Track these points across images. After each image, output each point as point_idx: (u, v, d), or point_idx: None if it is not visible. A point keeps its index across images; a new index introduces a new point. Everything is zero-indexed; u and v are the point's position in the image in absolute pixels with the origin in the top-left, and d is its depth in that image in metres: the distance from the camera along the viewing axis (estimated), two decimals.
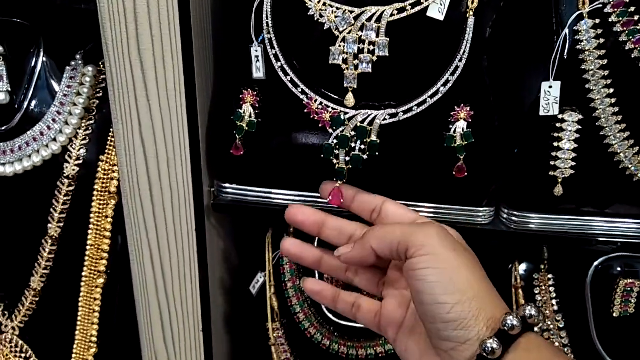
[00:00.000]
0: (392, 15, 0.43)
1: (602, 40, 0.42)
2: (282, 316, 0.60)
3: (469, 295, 0.36)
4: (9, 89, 0.55)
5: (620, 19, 0.41)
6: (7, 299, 0.61)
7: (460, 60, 0.44)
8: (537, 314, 0.37)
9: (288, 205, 0.49)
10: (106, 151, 0.56)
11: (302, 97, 0.45)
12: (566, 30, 0.43)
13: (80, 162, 0.55)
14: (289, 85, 0.45)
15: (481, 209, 0.49)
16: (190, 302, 0.54)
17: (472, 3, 0.43)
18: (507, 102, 0.47)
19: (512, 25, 0.46)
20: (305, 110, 0.46)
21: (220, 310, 0.61)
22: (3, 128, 0.55)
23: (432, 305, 0.37)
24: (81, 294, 0.58)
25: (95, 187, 0.56)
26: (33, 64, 0.56)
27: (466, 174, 0.47)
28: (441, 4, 0.42)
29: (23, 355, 0.61)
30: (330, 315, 0.57)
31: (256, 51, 0.45)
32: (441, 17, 0.42)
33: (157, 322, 0.56)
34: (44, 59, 0.56)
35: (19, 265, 0.59)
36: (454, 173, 0.47)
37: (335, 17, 0.44)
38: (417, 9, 0.42)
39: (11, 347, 0.61)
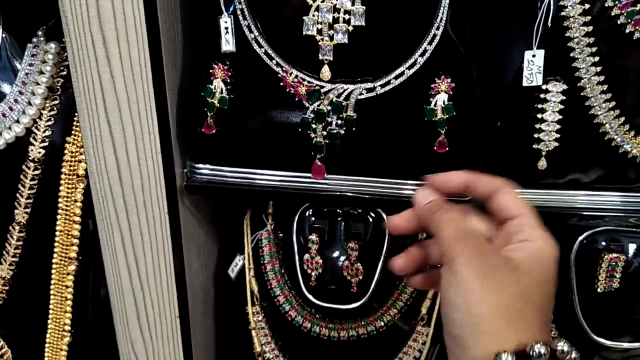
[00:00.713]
0: None
1: (587, 6, 0.40)
2: (262, 299, 0.59)
3: (474, 319, 0.34)
4: None
5: None
6: None
7: (438, 29, 0.42)
8: (570, 350, 0.34)
9: (269, 184, 0.47)
10: (72, 132, 0.53)
11: (277, 69, 0.43)
12: None
13: (46, 144, 0.53)
14: (264, 57, 0.43)
15: None
16: (165, 288, 0.53)
17: None
18: (489, 72, 0.45)
19: None
20: (281, 84, 0.44)
21: (198, 295, 0.59)
22: None
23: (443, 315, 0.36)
24: (52, 282, 0.56)
25: (63, 170, 0.53)
26: None
27: (447, 148, 0.45)
28: None
29: None
30: (311, 297, 0.55)
31: (225, 22, 0.42)
32: None
33: (131, 310, 0.54)
34: (3, 36, 0.52)
35: None
36: (435, 148, 0.45)
37: None
38: None
39: None
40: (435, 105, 0.44)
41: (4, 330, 0.59)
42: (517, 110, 0.45)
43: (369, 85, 0.44)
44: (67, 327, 0.57)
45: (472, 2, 0.42)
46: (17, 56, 0.53)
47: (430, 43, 0.42)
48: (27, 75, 0.52)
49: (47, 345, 0.58)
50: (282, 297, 0.57)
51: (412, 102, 0.44)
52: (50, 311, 0.57)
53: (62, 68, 0.53)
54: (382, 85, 0.44)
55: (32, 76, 0.52)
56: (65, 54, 0.53)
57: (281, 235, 0.59)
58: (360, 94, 0.44)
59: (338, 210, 0.55)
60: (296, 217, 0.56)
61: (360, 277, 0.53)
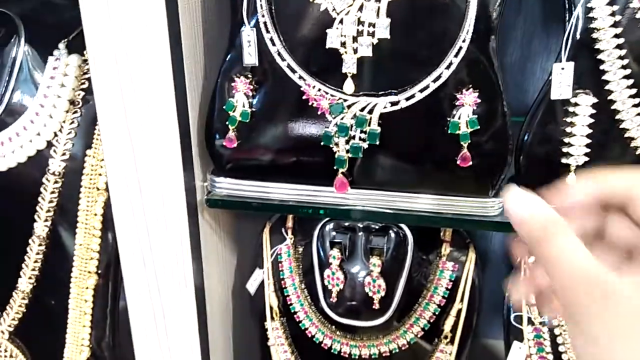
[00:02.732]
0: None
1: (617, 18, 0.39)
2: (281, 315, 0.58)
3: None
4: None
5: None
6: None
7: (464, 41, 0.41)
8: None
9: (291, 198, 0.46)
10: (93, 145, 0.53)
11: (299, 82, 0.43)
12: (579, 8, 0.40)
13: (66, 157, 0.53)
14: (286, 70, 0.43)
15: (490, 199, 0.46)
16: (185, 303, 0.52)
17: None
18: (516, 85, 0.44)
19: (521, 3, 0.44)
20: (303, 97, 0.43)
21: (217, 309, 0.59)
22: None
23: None
24: (71, 296, 0.56)
25: (83, 183, 0.53)
26: (14, 54, 0.53)
27: (470, 162, 0.44)
28: None
29: (12, 359, 0.59)
30: (331, 314, 0.54)
31: (248, 35, 0.42)
32: None
33: (150, 325, 0.53)
34: (26, 49, 0.53)
35: (6, 266, 0.56)
36: (458, 162, 0.44)
37: None
38: None
39: (0, 351, 0.59)
40: (459, 118, 0.43)
41: (24, 344, 0.59)
42: (546, 123, 0.44)
43: (393, 98, 0.43)
44: (86, 342, 0.57)
45: (499, 14, 0.41)
46: (39, 69, 0.53)
47: (456, 55, 0.41)
48: (49, 88, 0.52)
49: (65, 359, 0.58)
50: (302, 313, 0.56)
51: (436, 115, 0.44)
52: (69, 325, 0.57)
53: (83, 81, 0.53)
54: (407, 99, 0.43)
55: (54, 89, 0.52)
56: (87, 67, 0.53)
57: (301, 249, 0.58)
58: (384, 107, 0.43)
59: (359, 225, 0.54)
60: (316, 232, 0.55)
61: (383, 294, 0.52)
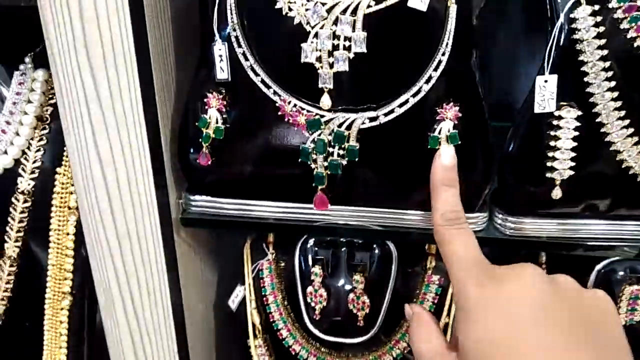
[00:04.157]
0: (368, 6, 0.39)
1: (601, 29, 0.38)
2: (264, 332, 0.57)
3: None
4: None
5: (622, 4, 0.37)
6: None
7: (443, 54, 0.39)
8: None
9: (269, 215, 0.45)
10: (63, 162, 0.51)
11: (274, 98, 0.41)
12: (562, 19, 0.38)
13: (35, 175, 0.51)
14: (260, 85, 0.41)
15: (473, 214, 0.45)
16: (163, 323, 0.50)
17: None
18: (498, 98, 0.43)
19: (502, 14, 0.42)
20: (279, 113, 0.41)
21: (198, 327, 0.57)
22: None
23: None
24: (46, 317, 0.54)
25: (53, 202, 0.51)
26: None
27: None
28: None
29: None
30: (316, 331, 0.53)
31: (219, 50, 0.40)
32: (424, 7, 0.38)
33: (128, 346, 0.51)
34: None
35: None
36: None
37: (306, 10, 0.39)
38: None
39: None
40: (439, 133, 0.42)
41: None
42: (529, 137, 0.42)
43: (372, 114, 0.41)
44: None
45: (479, 27, 0.39)
46: (5, 84, 0.51)
47: (435, 69, 0.39)
48: (15, 104, 0.50)
49: None
50: (285, 331, 0.55)
51: (416, 130, 0.42)
52: (45, 347, 0.55)
53: (50, 96, 0.51)
54: (386, 114, 0.41)
55: (20, 105, 0.50)
56: None
57: (283, 265, 0.56)
58: (363, 123, 0.41)
59: (341, 240, 0.53)
60: (298, 247, 0.53)
61: (367, 311, 0.51)
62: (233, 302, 0.59)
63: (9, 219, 0.52)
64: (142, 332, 0.51)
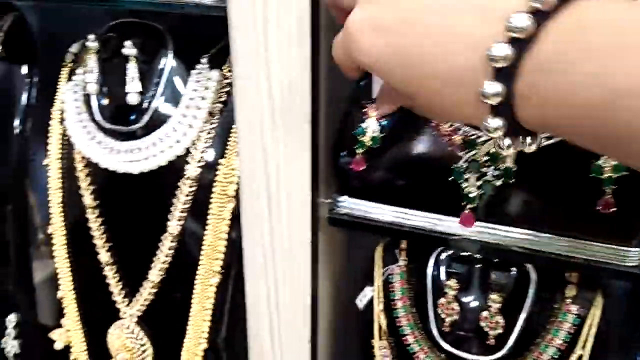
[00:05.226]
0: None
1: None
2: (389, 334, 0.58)
3: None
4: (140, 90, 0.57)
5: None
6: (128, 287, 0.64)
7: None
8: None
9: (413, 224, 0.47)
10: (225, 155, 0.56)
11: None
12: None
13: (202, 164, 0.56)
14: None
15: (630, 249, 0.43)
16: (300, 313, 0.54)
17: None
18: None
19: None
20: (435, 131, 0.42)
21: (325, 320, 0.60)
22: (132, 127, 0.57)
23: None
24: (195, 291, 0.60)
25: (214, 189, 0.57)
26: (162, 66, 0.57)
27: (613, 209, 0.41)
28: None
29: (139, 342, 0.65)
30: (442, 343, 0.54)
31: None
32: None
33: (265, 330, 0.56)
34: (172, 61, 0.57)
35: (140, 257, 0.62)
36: (599, 207, 0.41)
37: None
38: None
39: (128, 333, 0.64)
40: (604, 162, 0.40)
41: (149, 329, 0.64)
42: None
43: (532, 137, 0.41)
44: (205, 335, 0.61)
45: None
46: (182, 81, 0.57)
47: None
48: (191, 99, 0.56)
49: (184, 348, 0.62)
50: (412, 337, 0.56)
51: (578, 156, 0.41)
52: (190, 318, 0.61)
53: (220, 95, 0.56)
54: (547, 137, 0.41)
55: (195, 101, 0.56)
56: (225, 81, 0.56)
57: (413, 272, 0.57)
58: (522, 143, 0.41)
59: (477, 257, 0.53)
60: (432, 259, 0.54)
61: (500, 331, 0.51)
62: (361, 302, 0.61)
63: (175, 200, 0.58)
64: (281, 317, 0.55)
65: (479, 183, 0.43)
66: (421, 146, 0.44)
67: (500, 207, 0.44)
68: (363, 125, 0.46)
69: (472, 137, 0.42)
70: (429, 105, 0.29)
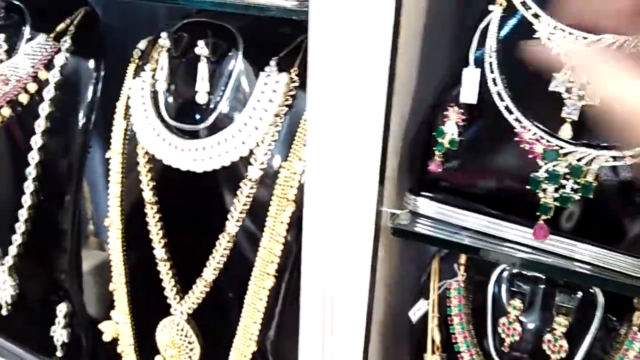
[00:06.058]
0: (635, 46, 0.37)
1: None
2: (442, 350, 0.57)
3: None
4: (209, 90, 0.57)
5: None
6: (181, 284, 0.64)
7: None
8: None
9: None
10: (288, 158, 0.56)
11: (515, 124, 0.42)
12: None
13: (264, 166, 0.57)
14: (503, 111, 0.42)
15: None
16: (354, 324, 0.53)
17: None
18: None
19: None
20: (516, 139, 0.42)
21: (377, 329, 0.59)
22: (198, 126, 0.58)
23: None
24: (248, 293, 0.60)
25: (275, 192, 0.57)
26: (231, 67, 0.58)
27: None
28: None
29: (187, 339, 0.65)
30: None
31: (472, 74, 0.42)
32: None
33: (317, 334, 0.55)
34: (241, 63, 0.58)
35: (195, 255, 0.62)
36: None
37: (566, 42, 0.39)
38: None
39: (177, 329, 0.65)
40: None
41: (199, 327, 0.64)
42: None
43: (617, 153, 0.40)
44: (254, 337, 0.60)
45: None
46: (250, 82, 0.58)
47: None
48: (258, 102, 0.56)
49: (233, 349, 0.62)
50: (468, 355, 0.54)
51: None
52: (242, 319, 0.61)
53: (287, 98, 0.56)
54: (634, 156, 0.39)
55: (262, 103, 0.56)
56: (292, 84, 0.56)
57: (471, 288, 0.56)
58: (606, 160, 0.40)
59: (542, 277, 0.51)
60: (494, 275, 0.53)
61: (563, 355, 0.49)
62: (414, 315, 0.60)
63: (235, 200, 0.58)
64: (335, 326, 0.54)
65: (556, 195, 0.42)
66: (500, 152, 0.43)
67: (575, 221, 0.43)
68: (443, 127, 0.45)
69: (555, 148, 0.41)
70: None
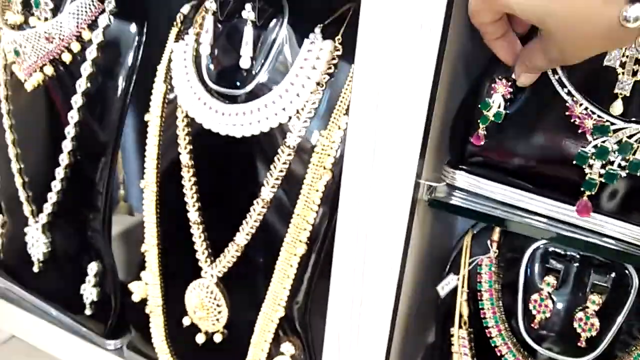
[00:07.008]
0: None
1: None
2: (470, 325, 0.57)
3: None
4: (252, 55, 0.58)
5: None
6: (213, 248, 0.65)
7: None
8: None
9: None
10: (328, 127, 0.56)
11: (567, 98, 0.42)
12: None
13: (303, 134, 0.57)
14: (555, 84, 0.42)
15: None
16: (384, 295, 0.54)
17: None
18: None
19: None
20: (566, 113, 0.42)
21: (405, 302, 0.60)
22: (240, 91, 0.59)
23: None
24: (279, 258, 0.61)
25: (312, 159, 0.57)
26: (274, 35, 0.58)
27: None
28: None
29: (215, 302, 0.66)
30: (529, 340, 0.52)
31: None
32: None
33: (347, 302, 0.56)
34: (286, 29, 0.58)
35: (229, 219, 0.63)
36: None
37: None
38: None
39: (207, 292, 0.66)
40: None
41: (227, 290, 0.65)
42: None
43: None
44: (283, 303, 0.61)
45: None
46: (292, 50, 0.58)
47: None
48: (301, 69, 0.56)
49: (261, 313, 0.63)
50: (495, 330, 0.55)
51: None
52: (271, 284, 0.62)
53: (330, 66, 0.57)
54: None
55: (305, 70, 0.56)
56: (336, 52, 0.56)
57: (503, 264, 0.56)
58: None
59: (577, 255, 0.51)
60: (528, 252, 0.53)
61: (594, 334, 0.49)
62: (442, 289, 0.60)
63: (272, 166, 0.59)
64: (364, 295, 0.55)
65: (602, 171, 0.42)
66: (548, 126, 0.43)
67: (620, 199, 0.43)
68: (489, 99, 0.45)
69: (605, 123, 0.40)
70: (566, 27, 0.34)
